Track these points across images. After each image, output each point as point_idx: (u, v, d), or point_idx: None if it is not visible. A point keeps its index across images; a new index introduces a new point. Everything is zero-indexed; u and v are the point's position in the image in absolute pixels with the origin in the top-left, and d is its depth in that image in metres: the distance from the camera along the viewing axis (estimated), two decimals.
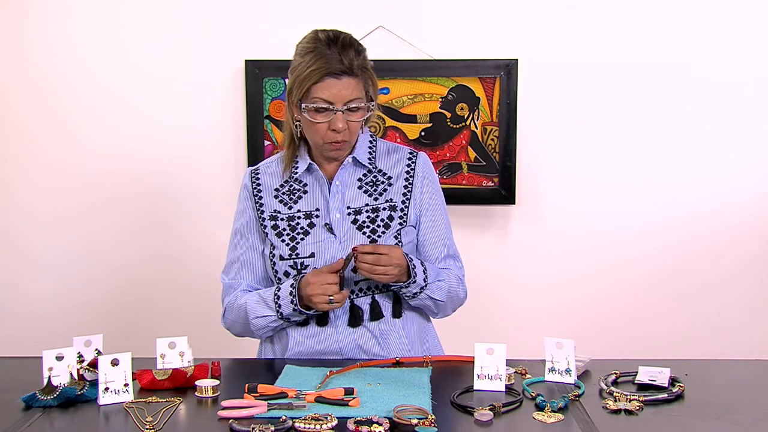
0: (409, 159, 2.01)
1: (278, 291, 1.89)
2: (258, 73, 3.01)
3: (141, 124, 3.11)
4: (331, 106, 1.84)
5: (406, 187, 1.98)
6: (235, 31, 3.06)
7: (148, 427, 1.47)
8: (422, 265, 1.91)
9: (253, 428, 1.43)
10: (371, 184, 1.98)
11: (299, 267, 1.91)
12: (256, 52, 3.02)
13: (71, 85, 3.09)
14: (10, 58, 3.09)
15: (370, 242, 1.91)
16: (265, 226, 1.97)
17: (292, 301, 1.86)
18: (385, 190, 1.97)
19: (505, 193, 3.03)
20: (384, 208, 1.95)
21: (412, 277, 1.87)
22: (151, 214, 3.15)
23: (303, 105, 1.86)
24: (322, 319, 1.92)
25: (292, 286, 1.87)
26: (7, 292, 3.17)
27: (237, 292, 2.00)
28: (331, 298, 1.81)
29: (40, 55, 3.09)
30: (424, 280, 1.90)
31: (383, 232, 1.93)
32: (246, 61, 3.01)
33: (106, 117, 3.11)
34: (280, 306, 1.89)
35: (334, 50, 1.82)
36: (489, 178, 3.03)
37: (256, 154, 3.02)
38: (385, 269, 1.82)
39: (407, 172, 2.00)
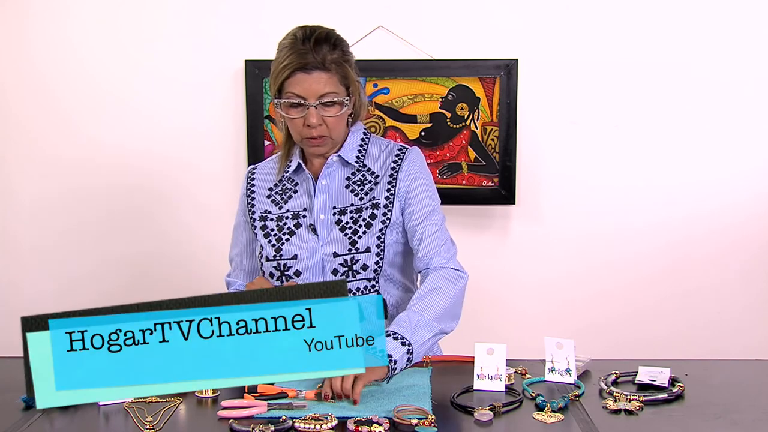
0: (397, 155, 1.94)
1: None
2: (258, 73, 3.00)
3: (141, 124, 3.11)
4: (303, 101, 1.81)
5: (390, 183, 1.91)
6: (235, 31, 3.06)
7: (148, 427, 1.47)
8: (403, 338, 1.69)
9: (253, 428, 1.43)
10: (359, 183, 1.92)
11: (282, 268, 1.89)
12: (256, 52, 3.02)
13: (71, 85, 3.09)
14: (10, 58, 3.09)
15: (350, 243, 1.86)
16: (255, 227, 1.96)
17: None
18: (371, 189, 1.91)
19: (505, 193, 3.03)
20: (366, 208, 1.89)
21: (390, 372, 1.66)
22: (151, 214, 3.15)
23: (277, 101, 1.85)
24: None
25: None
26: (7, 292, 3.17)
27: (230, 289, 2.01)
28: None
29: (40, 55, 3.08)
30: (408, 352, 1.69)
31: (365, 233, 1.87)
32: (246, 61, 3.01)
33: (106, 117, 3.10)
34: None
35: (307, 45, 1.80)
36: (489, 178, 3.03)
37: (256, 154, 3.02)
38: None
39: (392, 168, 1.92)
